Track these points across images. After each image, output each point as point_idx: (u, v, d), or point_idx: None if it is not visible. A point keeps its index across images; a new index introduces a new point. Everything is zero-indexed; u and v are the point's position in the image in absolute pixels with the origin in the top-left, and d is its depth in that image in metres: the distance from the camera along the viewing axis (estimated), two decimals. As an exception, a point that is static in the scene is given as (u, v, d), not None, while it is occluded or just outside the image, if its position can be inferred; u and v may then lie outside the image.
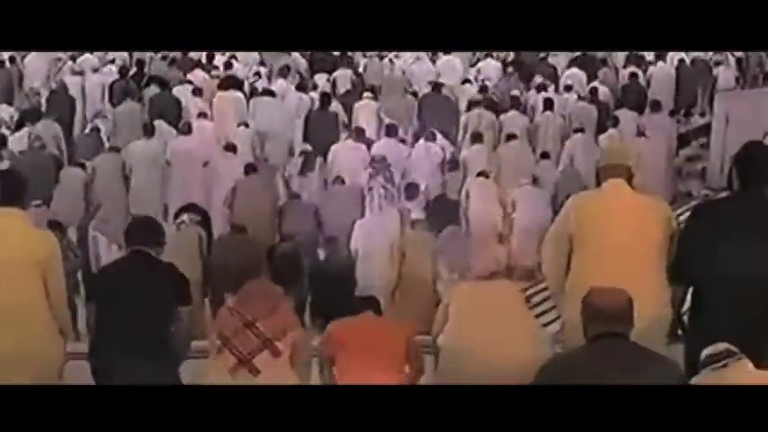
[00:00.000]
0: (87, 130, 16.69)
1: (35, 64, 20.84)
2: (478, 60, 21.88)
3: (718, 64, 21.84)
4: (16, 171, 7.32)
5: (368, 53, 21.48)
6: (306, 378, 5.72)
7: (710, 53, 22.79)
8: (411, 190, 12.94)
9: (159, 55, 20.73)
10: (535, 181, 13.84)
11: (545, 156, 15.37)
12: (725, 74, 21.28)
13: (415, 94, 18.51)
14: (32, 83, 19.81)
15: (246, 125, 16.02)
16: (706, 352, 4.74)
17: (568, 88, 18.15)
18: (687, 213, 6.14)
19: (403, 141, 15.47)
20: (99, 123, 16.96)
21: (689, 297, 5.82)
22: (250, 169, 13.47)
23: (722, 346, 4.71)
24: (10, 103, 18.76)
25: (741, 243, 5.19)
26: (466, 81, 19.05)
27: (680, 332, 5.88)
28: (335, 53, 21.68)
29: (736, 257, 5.18)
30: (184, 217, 10.81)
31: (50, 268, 5.65)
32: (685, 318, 5.88)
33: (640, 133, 15.91)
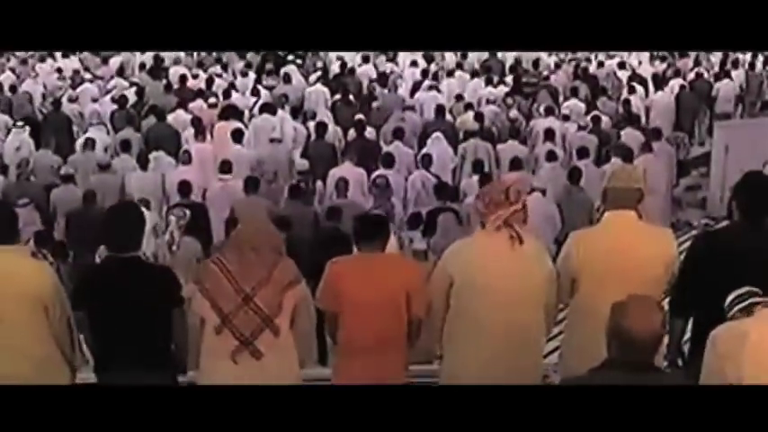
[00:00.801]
0: (80, 147, 16.30)
1: (31, 89, 21.04)
2: (476, 75, 22.01)
3: (718, 78, 22.01)
4: (9, 206, 7.23)
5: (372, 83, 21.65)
6: (308, 355, 5.79)
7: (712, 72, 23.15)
8: (414, 220, 12.83)
9: (158, 83, 20.86)
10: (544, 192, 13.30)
11: (552, 157, 15.19)
12: (725, 91, 21.38)
13: (412, 108, 18.73)
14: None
15: (241, 139, 15.93)
16: (731, 297, 4.82)
17: (566, 118, 18.10)
18: (687, 243, 6.12)
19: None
20: (94, 133, 16.80)
21: (689, 327, 5.80)
22: (250, 185, 13.00)
23: (745, 288, 4.79)
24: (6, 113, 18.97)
25: (741, 274, 5.15)
26: (469, 107, 19.01)
27: (680, 363, 5.84)
28: (338, 77, 21.96)
29: (737, 288, 5.14)
30: (171, 220, 10.68)
31: (51, 300, 5.65)
32: (686, 348, 5.86)
33: (646, 147, 15.62)
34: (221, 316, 5.41)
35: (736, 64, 23.43)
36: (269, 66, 23.39)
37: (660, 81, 21.83)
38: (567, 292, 5.90)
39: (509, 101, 19.62)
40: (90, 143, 15.84)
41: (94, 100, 19.84)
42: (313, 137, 16.80)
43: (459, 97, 20.15)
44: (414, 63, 23.75)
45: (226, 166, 14.07)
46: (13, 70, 22.87)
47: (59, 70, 23.13)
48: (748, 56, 24.88)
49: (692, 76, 22.86)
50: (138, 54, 25.16)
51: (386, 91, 20.90)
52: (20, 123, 17.06)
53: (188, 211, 10.87)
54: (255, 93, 20.44)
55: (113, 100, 19.27)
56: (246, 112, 18.71)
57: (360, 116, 17.58)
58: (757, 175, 5.96)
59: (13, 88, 20.83)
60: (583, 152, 15.32)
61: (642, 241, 5.75)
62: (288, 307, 5.48)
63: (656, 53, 26.09)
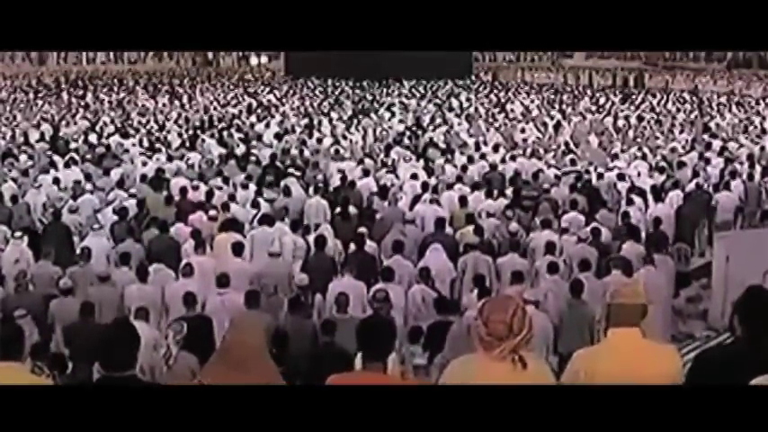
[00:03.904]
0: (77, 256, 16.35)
1: (33, 200, 21.15)
2: (476, 188, 22.09)
3: (717, 189, 22.14)
4: (14, 322, 7.25)
5: (372, 196, 21.73)
6: None
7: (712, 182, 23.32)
8: (414, 334, 12.76)
9: (159, 194, 20.98)
10: (537, 304, 13.05)
11: (553, 269, 15.18)
12: (725, 201, 21.48)
13: (412, 221, 18.86)
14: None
15: (242, 252, 15.99)
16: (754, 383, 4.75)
17: (565, 231, 18.14)
18: (690, 354, 6.07)
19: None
20: (90, 240, 16.90)
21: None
22: (252, 299, 12.88)
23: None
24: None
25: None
26: (469, 219, 19.05)
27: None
28: (338, 190, 22.08)
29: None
30: (169, 334, 10.58)
31: None
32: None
33: (648, 259, 15.63)
34: None
35: (734, 175, 23.58)
36: (269, 178, 23.53)
37: (659, 192, 21.92)
38: None
39: (509, 213, 19.62)
40: (86, 252, 15.92)
41: (96, 211, 19.95)
42: (313, 250, 16.81)
43: (462, 201, 20.31)
44: (414, 176, 23.82)
45: (224, 279, 14.08)
46: (15, 180, 23.01)
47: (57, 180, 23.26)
48: (746, 166, 25.07)
49: (691, 186, 22.99)
50: (139, 166, 25.36)
51: (386, 204, 20.97)
52: (18, 234, 17.13)
53: (185, 325, 10.80)
54: (255, 205, 20.53)
55: (114, 211, 19.38)
56: (247, 225, 18.78)
57: (360, 229, 17.63)
58: (758, 290, 5.93)
59: (14, 198, 20.92)
60: (584, 265, 15.30)
61: (648, 361, 5.75)
62: None
63: (654, 165, 26.28)
